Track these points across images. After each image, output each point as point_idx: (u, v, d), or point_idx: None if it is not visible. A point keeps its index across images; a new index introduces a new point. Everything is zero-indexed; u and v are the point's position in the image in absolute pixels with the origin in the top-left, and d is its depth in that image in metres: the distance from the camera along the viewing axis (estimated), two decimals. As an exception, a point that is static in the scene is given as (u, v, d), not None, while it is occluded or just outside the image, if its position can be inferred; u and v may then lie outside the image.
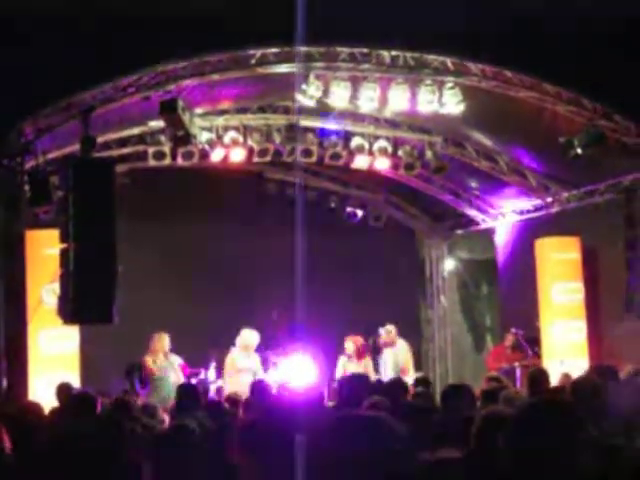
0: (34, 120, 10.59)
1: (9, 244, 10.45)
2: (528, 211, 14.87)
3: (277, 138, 12.91)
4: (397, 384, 8.27)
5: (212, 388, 12.23)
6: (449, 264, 17.17)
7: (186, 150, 12.31)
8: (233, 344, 12.24)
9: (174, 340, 12.13)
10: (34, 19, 9.76)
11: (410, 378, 11.49)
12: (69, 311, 9.52)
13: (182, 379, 11.71)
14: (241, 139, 12.66)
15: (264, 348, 12.55)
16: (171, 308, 13.65)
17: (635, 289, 12.37)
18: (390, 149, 13.30)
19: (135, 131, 12.42)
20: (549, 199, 14.27)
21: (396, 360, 12.93)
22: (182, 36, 10.05)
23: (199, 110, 12.24)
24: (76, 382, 10.49)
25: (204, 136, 12.39)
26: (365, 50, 11.26)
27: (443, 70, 11.55)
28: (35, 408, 6.09)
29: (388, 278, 15.75)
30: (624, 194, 12.84)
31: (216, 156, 12.73)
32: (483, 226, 15.99)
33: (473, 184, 15.35)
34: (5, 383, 10.18)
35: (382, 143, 13.26)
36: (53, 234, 10.09)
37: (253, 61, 10.92)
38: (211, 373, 12.50)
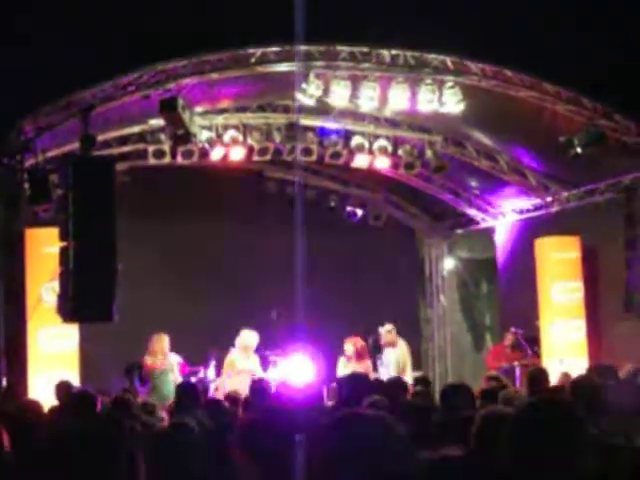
0: (34, 118, 10.58)
1: (9, 242, 10.45)
2: (528, 210, 14.87)
3: (277, 137, 12.91)
4: (397, 383, 8.27)
5: (212, 387, 12.22)
6: (449, 263, 17.17)
7: (186, 149, 12.30)
8: (233, 345, 12.23)
9: (174, 338, 12.14)
10: (34, 19, 9.76)
11: (408, 377, 11.50)
12: (69, 309, 9.52)
13: (179, 379, 11.70)
14: (241, 138, 12.66)
15: (263, 348, 12.54)
16: (171, 307, 13.65)
17: (635, 288, 12.37)
18: (390, 148, 13.30)
19: (135, 129, 12.42)
20: (549, 198, 14.27)
21: (398, 360, 12.95)
22: (182, 35, 10.05)
23: (199, 109, 12.24)
24: (76, 380, 10.49)
25: (204, 135, 12.39)
26: (365, 49, 11.25)
27: (443, 69, 11.55)
28: (34, 406, 6.10)
29: (388, 277, 15.75)
30: (624, 193, 12.84)
31: (216, 155, 12.73)
32: (483, 225, 15.99)
33: (473, 183, 15.35)
34: (5, 381, 10.18)
35: (382, 142, 13.26)
36: (53, 232, 10.08)
37: (253, 60, 10.92)
38: (210, 372, 12.48)
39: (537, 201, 14.54)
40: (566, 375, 9.85)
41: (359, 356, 12.53)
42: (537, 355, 13.49)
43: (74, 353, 11.27)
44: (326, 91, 11.57)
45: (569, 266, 13.73)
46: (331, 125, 13.11)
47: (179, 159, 12.47)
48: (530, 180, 14.22)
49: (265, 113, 12.93)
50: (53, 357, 11.05)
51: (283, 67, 11.17)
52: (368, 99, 11.79)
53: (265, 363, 12.48)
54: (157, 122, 11.95)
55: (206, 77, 11.07)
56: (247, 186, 14.81)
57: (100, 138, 11.00)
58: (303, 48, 10.80)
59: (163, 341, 12.02)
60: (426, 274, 17.15)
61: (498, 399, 6.94)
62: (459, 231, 16.73)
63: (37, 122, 10.63)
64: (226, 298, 14.21)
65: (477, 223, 16.07)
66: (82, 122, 10.26)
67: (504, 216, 15.47)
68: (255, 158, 13.07)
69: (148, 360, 11.97)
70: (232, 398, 8.86)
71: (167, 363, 11.94)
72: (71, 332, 11.11)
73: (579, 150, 11.62)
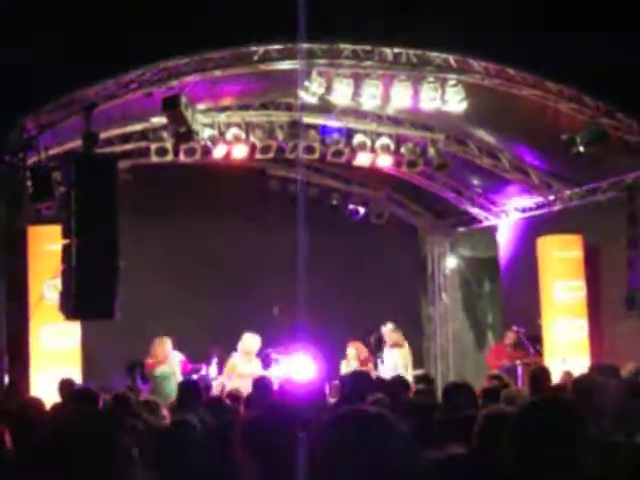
0: (36, 116, 10.58)
1: (11, 240, 10.44)
2: (530, 209, 14.86)
3: (279, 135, 12.90)
4: (399, 381, 8.26)
5: (214, 384, 12.22)
6: (451, 262, 17.17)
7: (188, 146, 12.29)
8: (235, 349, 12.21)
9: (175, 336, 12.13)
10: (36, 17, 9.75)
11: (409, 376, 11.50)
12: (71, 307, 9.52)
13: (180, 378, 11.69)
14: (243, 136, 12.66)
15: (265, 346, 12.54)
16: (173, 304, 13.67)
17: (637, 287, 12.35)
18: (392, 146, 13.29)
19: (137, 127, 12.41)
20: (551, 197, 14.26)
21: (400, 362, 13.02)
22: (184, 32, 10.04)
23: (201, 106, 12.23)
24: (78, 378, 10.50)
25: (206, 132, 12.38)
26: (368, 47, 11.24)
27: (446, 67, 11.53)
28: (36, 404, 6.10)
29: (390, 275, 15.76)
30: (626, 192, 12.83)
31: (218, 153, 12.73)
32: (485, 224, 15.98)
33: (475, 182, 15.34)
34: (7, 379, 10.18)
35: (384, 140, 13.25)
36: (55, 230, 10.10)
37: (256, 58, 10.90)
38: (212, 369, 12.49)
39: (539, 199, 14.53)
40: (568, 374, 9.83)
41: (362, 363, 12.70)
42: (539, 354, 13.48)
43: (76, 350, 11.28)
44: (328, 89, 11.56)
45: (571, 265, 13.71)
46: (333, 123, 13.11)
47: (181, 157, 12.47)
48: (532, 178, 14.21)
49: (267, 111, 12.92)
50: (55, 354, 11.06)
51: (286, 65, 11.16)
52: (370, 97, 11.78)
53: (267, 361, 12.48)
54: (159, 120, 11.94)
55: (209, 75, 11.07)
56: (249, 184, 14.80)
57: (102, 136, 10.99)
58: (306, 46, 10.79)
59: (165, 344, 12.01)
60: (428, 272, 17.15)
61: (500, 398, 6.93)
62: (461, 229, 16.72)
63: (39, 120, 10.63)
64: (228, 296, 14.22)
65: (479, 221, 16.07)
66: (84, 120, 10.25)
67: (506, 214, 15.46)
68: (257, 156, 13.08)
69: (149, 360, 11.99)
70: (234, 396, 8.87)
71: (169, 365, 11.94)
72: (73, 330, 11.12)
73: (581, 148, 11.61)
